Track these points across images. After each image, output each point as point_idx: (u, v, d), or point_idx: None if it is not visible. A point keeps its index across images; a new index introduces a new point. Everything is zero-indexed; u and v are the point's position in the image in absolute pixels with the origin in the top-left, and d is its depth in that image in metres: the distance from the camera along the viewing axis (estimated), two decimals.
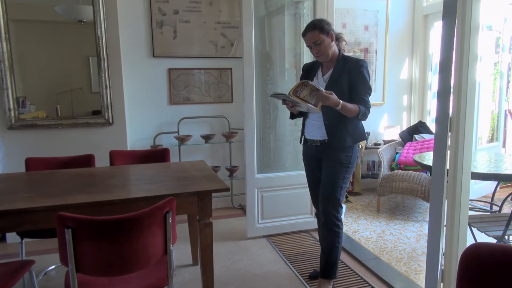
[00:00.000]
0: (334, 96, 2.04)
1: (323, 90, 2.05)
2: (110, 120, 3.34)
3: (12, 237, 3.10)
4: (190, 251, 2.79)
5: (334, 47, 2.22)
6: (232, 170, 3.81)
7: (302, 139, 2.43)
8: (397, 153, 4.11)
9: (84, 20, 3.24)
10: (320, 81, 2.28)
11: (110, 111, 3.32)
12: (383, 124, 4.63)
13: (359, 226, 3.43)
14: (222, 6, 3.73)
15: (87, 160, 2.65)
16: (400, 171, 3.74)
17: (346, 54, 2.30)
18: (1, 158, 3.11)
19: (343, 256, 2.81)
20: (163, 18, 3.57)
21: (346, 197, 4.10)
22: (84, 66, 3.36)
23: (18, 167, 2.84)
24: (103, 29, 3.21)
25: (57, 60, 3.29)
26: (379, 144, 4.42)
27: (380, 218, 3.63)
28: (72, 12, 3.22)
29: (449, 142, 1.78)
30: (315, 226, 3.26)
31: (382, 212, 3.81)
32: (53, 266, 2.67)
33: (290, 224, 3.27)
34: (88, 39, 3.24)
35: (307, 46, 2.22)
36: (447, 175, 1.79)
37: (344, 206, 3.53)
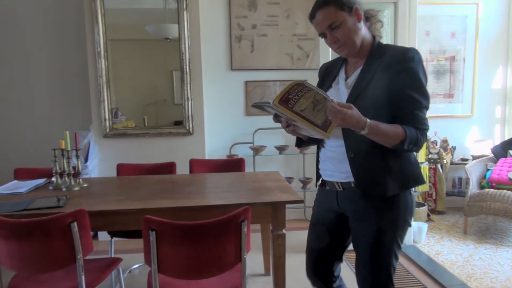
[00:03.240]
0: (353, 112, 1.22)
1: (333, 99, 1.24)
2: (191, 130, 3.53)
3: (103, 235, 3.41)
4: (262, 261, 2.81)
5: (363, 31, 1.39)
6: (305, 182, 3.78)
7: (319, 180, 1.60)
8: (488, 169, 3.74)
9: (170, 38, 3.50)
10: (341, 88, 1.45)
11: (191, 121, 3.52)
12: (471, 138, 4.25)
13: (442, 248, 3.17)
14: (299, 19, 3.76)
15: (169, 168, 2.82)
16: (492, 190, 3.39)
17: (387, 44, 1.48)
18: (97, 163, 3.45)
19: (424, 279, 2.62)
20: (241, 32, 3.71)
21: (428, 215, 3.82)
22: (168, 80, 3.62)
23: (111, 172, 3.13)
24: (187, 45, 3.43)
25: (145, 75, 3.59)
26: (467, 160, 4.06)
27: (468, 241, 3.32)
28: (161, 30, 3.50)
29: None
30: None
31: (469, 234, 3.48)
32: (137, 265, 2.88)
33: None
34: (173, 54, 3.48)
35: (320, 35, 1.42)
36: None
37: (425, 225, 3.30)
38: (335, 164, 1.45)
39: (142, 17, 3.49)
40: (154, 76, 3.61)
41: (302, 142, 1.56)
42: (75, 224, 1.62)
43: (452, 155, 4.10)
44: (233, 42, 3.72)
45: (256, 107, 1.38)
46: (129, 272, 2.81)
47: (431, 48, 4.08)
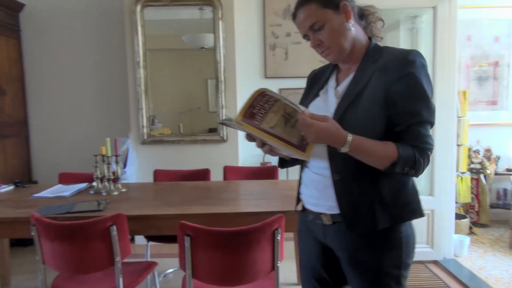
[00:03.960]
0: (327, 126, 1.04)
1: (305, 110, 1.07)
2: (225, 137, 3.58)
3: (139, 239, 3.50)
4: (295, 270, 2.78)
5: (354, 32, 1.17)
6: None
7: (299, 204, 1.33)
8: None
9: (206, 47, 3.57)
10: (330, 98, 1.22)
11: (225, 129, 3.57)
12: None
13: (486, 263, 3.00)
14: None
15: (203, 174, 2.87)
16: None
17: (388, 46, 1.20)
18: (135, 169, 3.56)
19: None
20: (275, 40, 3.73)
21: (470, 228, 3.64)
22: (203, 88, 3.69)
23: (148, 177, 3.22)
24: (222, 54, 3.49)
25: (181, 83, 3.69)
26: None
27: None
28: (197, 40, 3.59)
29: None
30: (433, 257, 2.97)
31: None
32: (171, 269, 2.93)
33: None
34: (208, 63, 3.55)
35: (303, 37, 1.22)
36: None
37: (467, 238, 3.14)
38: (321, 191, 1.19)
39: (179, 28, 3.59)
40: (190, 84, 3.69)
41: (285, 162, 1.33)
42: (114, 227, 1.68)
43: (496, 165, 3.90)
44: (267, 50, 3.74)
45: (222, 124, 1.21)
46: (164, 276, 2.86)
47: (473, 53, 3.92)
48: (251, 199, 2.17)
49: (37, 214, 1.69)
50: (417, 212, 1.18)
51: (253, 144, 1.16)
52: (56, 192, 2.36)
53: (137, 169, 3.55)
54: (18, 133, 3.71)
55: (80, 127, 3.89)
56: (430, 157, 1.11)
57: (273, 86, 3.78)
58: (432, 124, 1.12)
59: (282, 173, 3.62)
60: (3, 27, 3.49)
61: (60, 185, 2.59)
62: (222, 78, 3.52)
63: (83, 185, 2.54)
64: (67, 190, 2.41)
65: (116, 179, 2.41)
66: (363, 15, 1.23)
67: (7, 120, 3.54)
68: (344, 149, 1.05)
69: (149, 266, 2.01)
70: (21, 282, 2.79)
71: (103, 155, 2.37)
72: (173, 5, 3.44)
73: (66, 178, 2.79)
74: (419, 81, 1.09)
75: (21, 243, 3.49)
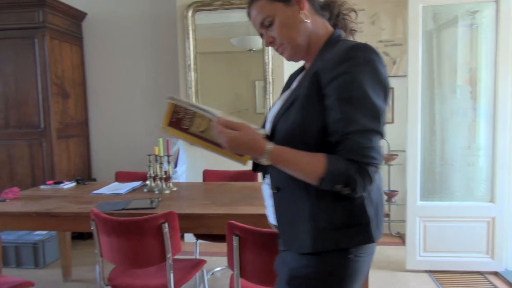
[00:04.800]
0: (240, 134, 0.97)
1: (221, 116, 1.02)
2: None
3: (188, 237, 3.61)
4: None
5: (312, 25, 1.05)
6: (390, 195, 3.59)
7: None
8: None
9: (254, 49, 3.61)
10: (279, 102, 1.13)
11: None
12: None
13: None
14: (384, 24, 3.62)
15: (251, 175, 2.90)
16: None
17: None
18: (185, 169, 3.68)
19: None
20: None
21: None
22: (250, 89, 3.73)
23: (198, 177, 3.31)
24: (270, 56, 3.50)
25: (229, 85, 3.75)
26: None
27: None
28: (245, 42, 3.63)
29: None
30: (493, 268, 2.79)
31: None
32: (219, 268, 2.99)
33: (459, 262, 2.86)
34: (256, 65, 3.58)
35: (260, 36, 1.11)
36: None
37: None
38: (267, 200, 1.13)
39: (228, 31, 3.66)
40: (238, 86, 3.75)
41: (257, 166, 1.19)
42: (166, 225, 1.74)
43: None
44: None
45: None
46: (212, 274, 2.92)
47: None
48: None
49: (96, 210, 1.80)
50: (362, 237, 0.97)
51: None
52: (113, 190, 2.50)
53: (187, 169, 3.67)
54: (79, 133, 3.97)
55: (135, 128, 4.08)
56: (375, 174, 0.92)
57: None
58: (377, 132, 0.92)
59: None
60: (68, 35, 3.76)
61: (116, 183, 2.74)
62: (270, 80, 3.53)
63: (137, 183, 2.66)
64: (123, 188, 2.54)
65: (168, 178, 2.50)
66: (326, 5, 1.10)
67: (70, 122, 3.81)
68: (264, 161, 0.97)
69: (198, 263, 2.07)
70: (81, 273, 2.99)
71: (156, 155, 2.48)
72: (223, 9, 3.52)
73: (122, 176, 2.95)
74: (357, 81, 0.90)
75: (81, 236, 3.74)
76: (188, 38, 3.54)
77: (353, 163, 0.90)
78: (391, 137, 3.68)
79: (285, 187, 1.02)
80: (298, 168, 0.94)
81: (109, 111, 4.12)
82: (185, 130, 1.05)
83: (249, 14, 1.10)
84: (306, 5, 1.03)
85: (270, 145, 0.96)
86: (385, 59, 3.61)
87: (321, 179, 0.91)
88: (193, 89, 3.59)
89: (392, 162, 3.56)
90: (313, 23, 1.05)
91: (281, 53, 1.10)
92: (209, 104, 3.72)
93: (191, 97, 3.60)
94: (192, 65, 3.58)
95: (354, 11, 1.13)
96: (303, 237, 0.98)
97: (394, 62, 3.63)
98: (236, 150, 1.01)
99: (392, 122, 3.69)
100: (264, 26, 1.06)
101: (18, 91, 3.51)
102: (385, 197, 3.60)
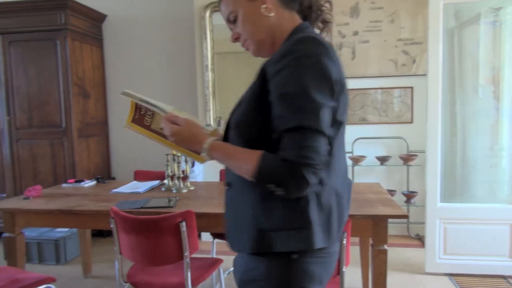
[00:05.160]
0: (181, 129, 1.02)
1: (169, 112, 1.06)
2: None
3: (205, 236, 3.64)
4: (360, 276, 2.70)
5: (276, 18, 1.00)
6: (409, 196, 3.53)
7: None
8: None
9: None
10: None
11: None
12: None
13: None
14: (404, 22, 3.56)
15: None
16: None
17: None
18: (202, 169, 3.71)
19: None
20: (342, 40, 3.65)
21: None
22: None
23: (214, 177, 3.33)
24: None
25: (246, 85, 3.73)
26: None
27: None
28: None
29: None
30: None
31: None
32: None
33: (480, 266, 2.79)
34: None
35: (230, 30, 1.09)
36: None
37: None
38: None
39: None
40: None
41: None
42: (184, 223, 1.76)
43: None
44: None
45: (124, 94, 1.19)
46: (229, 273, 2.94)
47: None
48: None
49: (116, 208, 1.83)
50: (299, 242, 0.90)
51: None
52: (132, 188, 2.54)
53: (205, 168, 3.69)
54: (99, 133, 4.05)
55: None
56: (312, 175, 0.85)
57: None
58: (316, 130, 0.85)
59: None
60: (88, 37, 3.84)
61: (135, 182, 2.78)
62: None
63: (155, 182, 2.70)
64: (142, 186, 2.58)
65: (185, 178, 2.53)
66: None
67: (91, 121, 3.89)
68: (204, 156, 0.98)
69: (215, 262, 2.08)
70: (101, 269, 3.05)
71: (173, 155, 2.50)
72: None
73: (140, 175, 2.99)
74: (296, 76, 0.86)
75: (101, 233, 3.81)
76: (206, 38, 3.56)
77: (286, 162, 0.85)
78: (410, 137, 3.62)
79: (236, 184, 1.01)
80: (234, 164, 0.94)
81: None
82: (147, 127, 1.06)
83: (220, 10, 1.08)
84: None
85: (209, 140, 0.98)
86: (404, 58, 3.56)
87: (254, 177, 0.89)
88: (210, 89, 3.62)
89: (411, 163, 3.50)
90: (277, 17, 1.00)
91: (247, 49, 1.08)
92: (226, 104, 3.75)
93: (208, 97, 3.62)
94: (209, 65, 3.60)
95: (329, 1, 1.07)
96: (243, 236, 0.96)
97: (414, 61, 3.57)
98: (180, 145, 1.03)
99: (411, 122, 3.62)
100: (230, 22, 1.04)
101: (41, 91, 3.60)
102: (404, 198, 3.54)
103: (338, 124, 0.92)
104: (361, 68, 3.65)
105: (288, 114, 0.86)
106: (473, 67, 2.92)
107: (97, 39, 4.01)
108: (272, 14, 0.99)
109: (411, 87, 3.61)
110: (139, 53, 4.10)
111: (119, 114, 4.21)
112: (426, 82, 2.82)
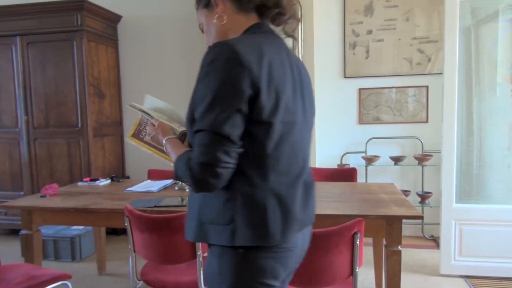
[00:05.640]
0: (156, 131, 1.18)
1: (157, 120, 1.21)
2: None
3: None
4: (373, 277, 2.67)
5: (230, 25, 1.05)
6: (424, 196, 3.48)
7: None
8: None
9: None
10: None
11: None
12: None
13: None
14: (419, 21, 3.51)
15: None
16: None
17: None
18: None
19: None
20: (356, 39, 3.62)
21: None
22: None
23: None
24: (300, 55, 3.48)
25: None
26: None
27: None
28: None
29: None
30: None
31: None
32: None
33: (497, 268, 2.73)
34: None
35: None
36: None
37: None
38: None
39: None
40: None
41: None
42: None
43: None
44: (347, 49, 3.65)
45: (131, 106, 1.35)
46: None
47: None
48: (329, 201, 2.13)
49: (130, 207, 1.85)
50: (221, 237, 0.96)
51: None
52: (145, 187, 2.57)
53: None
54: (114, 132, 4.11)
55: None
56: (203, 173, 0.90)
57: (353, 86, 3.68)
58: (219, 134, 0.89)
59: (361, 176, 3.50)
60: (104, 38, 3.90)
61: (149, 181, 2.81)
62: None
63: (168, 181, 2.72)
64: (155, 185, 2.60)
65: None
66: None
67: (106, 121, 3.95)
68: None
69: None
70: (115, 267, 3.09)
71: None
72: None
73: (154, 174, 3.02)
74: (200, 82, 0.93)
75: (115, 232, 3.86)
76: None
77: (189, 162, 0.94)
78: (425, 137, 3.57)
79: None
80: (172, 160, 1.06)
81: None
82: (142, 139, 1.17)
83: None
84: (225, 7, 1.04)
85: (168, 137, 1.12)
86: (419, 56, 3.51)
87: (173, 173, 1.02)
88: None
89: (426, 163, 3.45)
90: (230, 23, 1.04)
91: None
92: None
93: None
94: None
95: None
96: (190, 226, 1.04)
97: (429, 60, 3.52)
98: (154, 141, 1.19)
99: (426, 121, 3.57)
100: (203, 32, 1.14)
101: (57, 92, 3.67)
102: (419, 199, 3.50)
103: (267, 125, 0.94)
104: (375, 67, 3.61)
105: (196, 118, 0.94)
106: (490, 65, 2.86)
107: (112, 40, 4.07)
108: (224, 22, 1.04)
109: (426, 86, 3.56)
110: (153, 53, 4.14)
111: (133, 114, 4.26)
112: (441, 81, 2.78)
